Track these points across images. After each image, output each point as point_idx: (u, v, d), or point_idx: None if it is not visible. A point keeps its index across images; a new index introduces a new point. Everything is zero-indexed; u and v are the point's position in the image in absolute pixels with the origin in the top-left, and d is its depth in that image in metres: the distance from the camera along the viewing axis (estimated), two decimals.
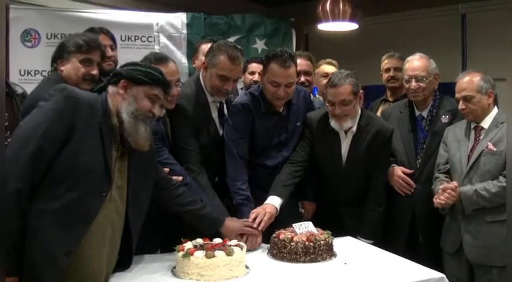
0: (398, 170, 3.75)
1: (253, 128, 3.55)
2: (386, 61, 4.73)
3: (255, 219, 3.23)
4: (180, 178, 3.14)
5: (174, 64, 3.34)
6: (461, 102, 3.44)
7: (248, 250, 2.99)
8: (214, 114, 3.57)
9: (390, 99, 4.63)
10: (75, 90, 2.55)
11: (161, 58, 3.25)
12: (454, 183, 3.34)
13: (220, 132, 3.59)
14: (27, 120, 2.47)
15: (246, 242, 3.06)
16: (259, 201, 3.40)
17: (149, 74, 2.61)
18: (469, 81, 3.42)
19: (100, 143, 2.48)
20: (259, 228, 3.22)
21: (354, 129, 3.59)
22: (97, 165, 2.47)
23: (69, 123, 2.41)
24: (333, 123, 3.57)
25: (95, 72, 3.22)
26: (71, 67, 3.15)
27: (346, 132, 3.61)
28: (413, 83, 3.76)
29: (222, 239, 2.88)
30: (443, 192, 3.34)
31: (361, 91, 3.56)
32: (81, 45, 3.15)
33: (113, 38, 4.08)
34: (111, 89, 2.61)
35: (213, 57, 3.40)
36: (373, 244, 3.45)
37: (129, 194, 2.65)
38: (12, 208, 2.30)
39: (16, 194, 2.31)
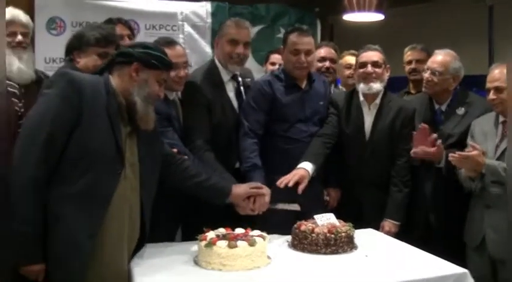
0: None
1: (275, 103, 3.59)
2: (408, 53, 4.71)
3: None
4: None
5: (182, 47, 3.48)
6: (492, 92, 3.39)
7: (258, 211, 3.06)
8: (231, 94, 3.63)
9: (413, 91, 4.61)
10: (76, 74, 2.58)
11: (169, 41, 3.38)
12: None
13: (238, 111, 3.64)
14: (35, 109, 2.50)
15: (254, 204, 3.08)
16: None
17: (162, 59, 2.63)
18: (502, 72, 3.37)
19: (108, 123, 2.50)
20: (289, 185, 3.29)
21: (378, 102, 3.73)
22: (108, 146, 2.49)
23: (76, 106, 2.42)
24: (362, 86, 3.73)
25: None
26: (89, 60, 3.14)
27: (369, 105, 3.73)
28: (427, 74, 3.77)
29: (245, 228, 2.87)
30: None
31: (388, 65, 3.77)
32: (100, 38, 3.15)
33: (130, 28, 4.13)
34: (118, 68, 2.62)
35: (221, 31, 3.65)
36: (398, 228, 3.55)
37: (142, 171, 2.68)
38: (30, 197, 2.33)
39: (33, 182, 2.34)
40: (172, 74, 3.24)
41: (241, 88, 3.71)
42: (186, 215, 3.39)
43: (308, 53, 3.60)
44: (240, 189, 3.10)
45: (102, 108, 2.49)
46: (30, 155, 2.35)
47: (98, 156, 2.44)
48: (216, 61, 3.63)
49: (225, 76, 3.59)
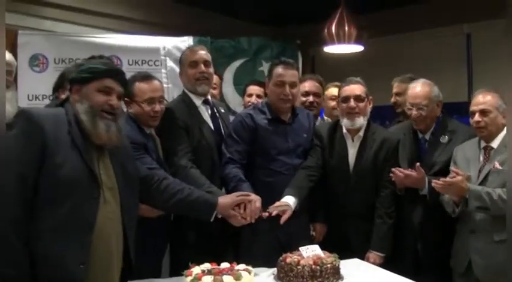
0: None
1: (257, 136, 3.63)
2: (395, 85, 4.75)
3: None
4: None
5: (159, 82, 3.50)
6: (477, 115, 3.43)
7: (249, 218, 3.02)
8: (206, 117, 3.69)
9: (404, 120, 4.63)
10: (34, 110, 2.57)
11: (145, 76, 3.42)
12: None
13: (217, 134, 3.68)
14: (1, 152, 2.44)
15: (244, 211, 3.02)
16: None
17: (91, 68, 2.57)
18: (487, 96, 3.43)
19: (76, 151, 2.45)
20: (273, 214, 3.27)
21: (361, 134, 3.75)
22: (80, 172, 2.43)
23: (39, 142, 2.38)
24: (345, 121, 3.74)
25: None
26: None
27: (353, 138, 3.75)
28: (415, 112, 3.77)
29: (230, 263, 2.87)
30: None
31: (370, 97, 3.78)
32: None
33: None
34: (71, 98, 2.60)
35: (181, 61, 3.81)
36: (383, 260, 3.54)
37: (121, 195, 2.61)
38: (12, 239, 2.28)
39: (13, 226, 2.29)
40: (148, 108, 3.29)
41: (215, 110, 3.77)
42: (171, 249, 3.37)
43: (292, 85, 3.65)
44: (226, 199, 3.04)
45: (66, 137, 2.46)
46: (5, 198, 2.31)
47: (70, 185, 2.39)
48: (186, 90, 3.72)
49: (197, 101, 3.67)
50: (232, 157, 3.55)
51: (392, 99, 4.72)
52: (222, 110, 3.94)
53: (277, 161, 3.63)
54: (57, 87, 3.26)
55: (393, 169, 3.57)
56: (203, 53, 3.74)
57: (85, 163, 2.46)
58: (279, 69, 3.66)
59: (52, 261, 2.35)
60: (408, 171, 3.55)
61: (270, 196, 3.42)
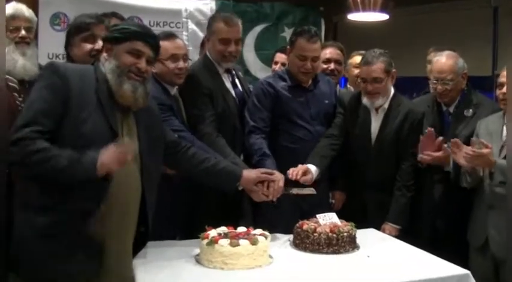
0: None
1: (279, 103, 3.62)
2: (432, 54, 4.64)
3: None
4: None
5: (181, 40, 3.50)
6: (506, 87, 3.33)
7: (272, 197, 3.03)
8: (227, 84, 3.66)
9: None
10: (61, 63, 2.59)
11: (168, 34, 3.40)
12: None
13: (237, 101, 3.67)
14: (25, 104, 2.49)
15: (268, 189, 3.03)
16: None
17: (124, 29, 2.57)
18: None
19: (100, 109, 2.45)
20: (297, 177, 3.30)
21: (386, 106, 3.70)
22: (102, 130, 2.43)
23: (63, 96, 2.39)
24: (365, 100, 3.70)
25: (100, 46, 3.18)
26: (77, 49, 3.18)
27: (377, 109, 3.70)
28: (440, 86, 3.72)
29: (247, 227, 2.87)
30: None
31: (394, 70, 3.67)
32: (79, 24, 3.19)
33: (124, 20, 4.12)
34: (101, 56, 2.62)
35: (211, 28, 3.64)
36: (399, 232, 3.50)
37: (142, 158, 2.60)
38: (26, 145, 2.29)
39: (29, 134, 2.30)
40: (172, 65, 3.28)
41: (236, 79, 3.74)
42: (188, 212, 3.37)
43: (315, 59, 3.62)
44: (251, 173, 3.04)
45: (92, 94, 2.45)
46: (20, 134, 2.31)
47: (90, 142, 2.37)
48: (209, 55, 3.64)
49: (220, 69, 3.62)
50: (256, 125, 3.54)
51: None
52: (241, 74, 3.92)
53: (300, 127, 3.63)
54: (67, 46, 3.23)
55: (420, 155, 3.50)
56: (237, 30, 3.62)
57: (108, 123, 2.45)
58: (302, 42, 3.59)
59: (72, 200, 2.36)
60: (436, 154, 3.48)
61: (293, 162, 3.45)
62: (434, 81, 3.76)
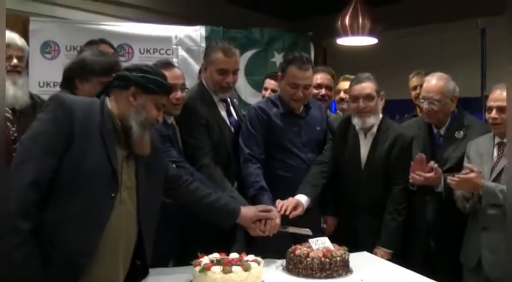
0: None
1: (271, 129, 3.61)
2: (414, 79, 4.79)
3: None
4: None
5: (179, 69, 3.47)
6: (494, 111, 3.38)
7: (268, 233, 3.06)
8: (223, 113, 3.65)
9: (420, 115, 4.63)
10: (67, 97, 2.54)
11: (166, 63, 3.37)
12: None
13: (232, 130, 3.65)
14: (27, 134, 2.45)
15: (265, 226, 3.07)
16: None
17: (160, 83, 2.58)
18: (506, 92, 3.37)
19: (102, 145, 2.44)
20: (286, 213, 3.28)
21: (374, 130, 3.70)
22: (101, 167, 2.43)
23: (66, 129, 2.38)
24: (356, 120, 3.69)
25: None
26: (92, 88, 3.00)
27: (366, 134, 3.71)
28: (426, 105, 3.75)
29: (239, 253, 2.86)
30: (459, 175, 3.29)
31: (382, 92, 3.70)
32: (106, 68, 3.03)
33: (113, 47, 4.21)
34: (115, 91, 2.57)
35: (209, 57, 3.59)
36: (391, 255, 3.49)
37: (139, 196, 2.60)
38: (15, 222, 2.27)
39: (18, 208, 2.28)
40: (170, 96, 3.26)
41: (230, 107, 3.73)
42: (181, 238, 3.36)
43: (307, 87, 3.61)
44: (249, 212, 3.09)
45: (95, 130, 2.45)
46: (19, 181, 2.30)
47: (89, 179, 2.38)
48: (205, 84, 3.62)
49: (216, 98, 3.61)
50: (251, 153, 3.54)
51: (417, 91, 4.67)
52: (236, 102, 3.92)
53: (292, 155, 3.63)
54: (74, 76, 3.12)
55: (412, 174, 3.51)
56: (235, 61, 3.60)
57: (108, 159, 2.45)
58: (294, 70, 3.56)
59: (59, 250, 2.35)
60: (427, 174, 3.48)
61: (286, 190, 3.49)
62: (422, 101, 3.79)
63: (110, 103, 2.54)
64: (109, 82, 2.63)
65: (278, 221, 3.14)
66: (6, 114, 3.10)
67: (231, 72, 3.54)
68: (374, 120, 3.67)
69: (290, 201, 3.37)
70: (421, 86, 4.55)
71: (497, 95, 3.40)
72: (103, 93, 2.61)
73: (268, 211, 3.14)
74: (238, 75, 3.69)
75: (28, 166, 2.32)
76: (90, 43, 3.87)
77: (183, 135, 3.47)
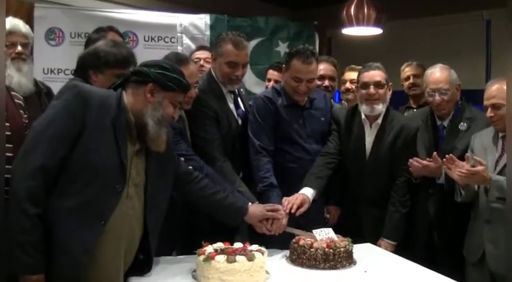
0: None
1: (278, 120, 3.59)
2: (406, 70, 4.82)
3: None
4: (190, 167, 3.12)
5: (195, 66, 3.40)
6: (489, 109, 3.38)
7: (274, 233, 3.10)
8: (231, 105, 3.63)
9: (414, 106, 4.69)
10: (86, 87, 2.55)
11: (182, 59, 3.24)
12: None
13: (239, 121, 3.65)
14: (39, 120, 2.48)
15: (271, 226, 3.10)
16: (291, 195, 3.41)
17: (179, 81, 2.58)
18: (498, 89, 3.35)
19: (113, 139, 2.46)
20: (292, 211, 3.27)
21: (379, 121, 3.69)
22: (111, 161, 2.45)
23: (80, 120, 2.40)
24: (364, 107, 3.68)
25: None
26: (106, 80, 2.97)
27: (371, 124, 3.70)
28: (437, 97, 3.75)
29: (243, 242, 2.87)
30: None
31: (390, 83, 3.70)
32: (121, 60, 3.01)
33: (121, 35, 4.17)
34: (133, 86, 2.57)
35: (219, 48, 3.54)
36: (395, 247, 3.51)
37: (147, 192, 2.63)
38: (26, 206, 2.30)
39: (28, 192, 2.31)
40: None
41: (238, 99, 3.72)
42: (185, 228, 3.37)
43: (310, 81, 3.56)
44: (256, 210, 3.11)
45: (109, 123, 2.46)
46: (28, 165, 2.34)
47: (98, 171, 2.41)
48: (214, 75, 3.59)
49: (224, 89, 3.59)
50: (262, 145, 3.52)
51: (411, 81, 4.73)
52: (243, 92, 3.90)
53: (298, 146, 3.62)
54: (88, 67, 3.07)
55: (411, 160, 3.53)
56: (246, 54, 3.56)
57: (118, 154, 2.47)
58: (298, 64, 3.50)
59: (59, 240, 2.38)
60: (426, 162, 3.50)
61: (291, 181, 3.51)
62: (431, 93, 3.78)
63: (126, 98, 2.55)
64: (127, 76, 2.63)
65: (285, 221, 3.17)
66: (19, 101, 3.09)
67: (240, 66, 3.51)
68: (382, 108, 3.66)
69: (296, 198, 3.36)
70: (414, 76, 4.63)
71: (490, 93, 3.40)
72: (120, 86, 2.60)
73: (276, 211, 3.16)
74: (247, 68, 3.66)
75: (38, 151, 2.34)
76: (98, 30, 3.85)
77: (192, 127, 3.44)
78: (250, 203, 3.18)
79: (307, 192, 3.45)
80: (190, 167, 3.11)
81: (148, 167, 2.64)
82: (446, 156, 3.33)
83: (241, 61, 3.52)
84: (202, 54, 4.68)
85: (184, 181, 2.92)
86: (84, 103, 2.42)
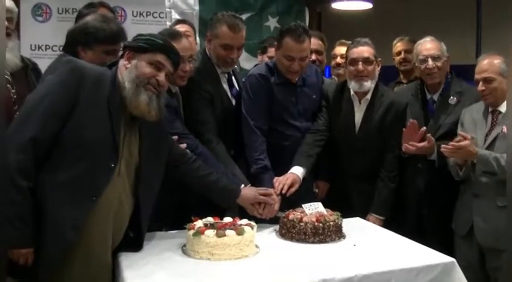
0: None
1: (272, 98, 3.55)
2: (398, 45, 4.83)
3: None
4: (184, 145, 3.12)
5: (187, 40, 3.31)
6: (481, 83, 3.38)
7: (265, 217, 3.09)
8: (225, 86, 3.60)
9: (404, 81, 4.70)
10: (81, 63, 2.54)
11: (174, 33, 3.21)
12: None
13: (233, 102, 3.62)
14: (33, 95, 2.49)
15: (263, 210, 3.10)
16: (283, 173, 3.42)
17: (149, 40, 2.57)
18: (490, 63, 3.36)
19: (107, 116, 2.46)
20: (283, 192, 3.27)
21: (369, 96, 3.68)
22: (103, 138, 2.45)
23: (74, 95, 2.40)
24: (353, 84, 3.66)
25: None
26: (95, 56, 3.00)
27: (360, 100, 3.69)
28: (430, 62, 3.74)
29: (233, 217, 2.87)
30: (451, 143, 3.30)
31: (379, 58, 3.67)
32: (109, 36, 3.01)
33: (112, 11, 4.08)
34: (120, 62, 2.59)
35: (215, 29, 3.47)
36: (384, 222, 3.53)
37: (140, 172, 2.63)
38: (16, 179, 2.30)
39: (19, 165, 2.31)
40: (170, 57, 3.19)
41: (232, 78, 3.68)
42: (175, 204, 3.37)
43: (303, 59, 3.49)
44: (249, 193, 3.10)
45: (103, 100, 2.46)
46: (19, 138, 2.33)
47: (91, 147, 2.40)
48: (209, 55, 3.54)
49: (219, 70, 3.55)
50: (256, 124, 3.49)
51: (402, 56, 4.73)
52: (237, 69, 3.87)
53: (289, 125, 3.61)
54: (77, 43, 3.05)
55: (405, 144, 3.52)
56: (242, 37, 3.48)
57: (111, 131, 2.46)
58: (289, 42, 3.42)
59: (47, 215, 2.39)
60: (420, 144, 3.49)
61: (283, 158, 3.51)
62: (424, 59, 3.77)
63: (119, 75, 2.54)
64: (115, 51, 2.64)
65: (277, 206, 3.16)
66: (6, 76, 3.06)
67: (235, 48, 3.46)
68: (370, 85, 3.64)
69: (287, 179, 3.36)
70: (405, 51, 4.65)
71: (482, 67, 3.40)
72: (115, 65, 2.60)
73: (269, 195, 3.15)
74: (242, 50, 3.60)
75: (29, 124, 2.34)
76: (89, 6, 3.80)
77: (186, 109, 3.41)
78: (243, 185, 3.17)
79: (298, 171, 3.45)
80: (185, 145, 3.11)
81: (141, 147, 2.64)
82: (450, 143, 3.31)
83: (237, 44, 3.46)
84: (182, 27, 4.62)
85: (177, 162, 2.92)
86: (79, 79, 2.42)
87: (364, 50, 3.62)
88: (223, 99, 3.54)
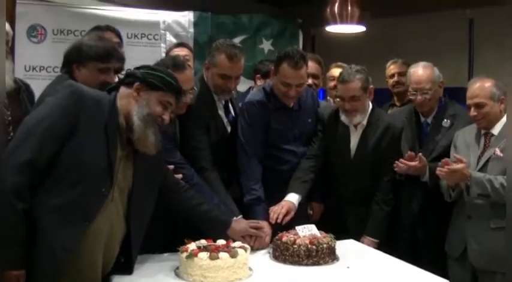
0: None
1: (269, 124, 3.56)
2: (391, 67, 4.84)
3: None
4: (180, 176, 3.13)
5: (190, 71, 3.33)
6: (472, 109, 3.40)
7: (256, 249, 3.07)
8: (221, 112, 3.60)
9: (397, 103, 4.71)
10: (81, 87, 2.54)
11: (179, 65, 3.18)
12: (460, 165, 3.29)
13: (228, 129, 3.61)
14: (32, 115, 2.49)
15: (254, 242, 3.09)
16: (279, 199, 3.45)
17: (165, 80, 2.57)
18: (481, 88, 3.38)
19: (104, 141, 2.47)
20: (278, 221, 3.28)
21: (364, 123, 3.67)
22: (99, 163, 2.45)
23: (73, 119, 2.40)
24: (343, 117, 3.67)
25: (112, 80, 3.10)
26: (89, 74, 3.02)
27: (356, 126, 3.68)
28: (419, 97, 3.76)
29: (226, 240, 2.86)
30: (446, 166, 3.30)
31: (371, 86, 3.62)
32: (101, 53, 3.03)
33: (119, 35, 4.07)
34: (123, 89, 2.59)
35: (213, 58, 3.47)
36: (378, 244, 3.52)
37: (132, 198, 2.63)
38: (11, 201, 2.30)
39: (14, 187, 2.31)
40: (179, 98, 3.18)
41: (229, 104, 3.69)
42: (167, 225, 3.35)
43: (300, 85, 3.48)
44: (239, 226, 3.10)
45: (101, 125, 2.46)
46: (17, 160, 2.33)
47: (86, 172, 2.41)
48: (206, 82, 3.53)
49: (215, 96, 3.55)
50: (254, 151, 3.51)
51: (395, 79, 4.74)
52: (234, 95, 3.87)
53: (286, 150, 3.62)
54: (72, 61, 3.08)
55: (397, 162, 3.53)
56: (240, 67, 3.49)
57: (107, 157, 2.47)
58: (286, 69, 3.41)
59: (40, 238, 2.38)
60: (412, 163, 3.51)
61: (279, 182, 3.54)
62: (413, 92, 3.79)
63: (119, 101, 2.55)
64: (120, 80, 2.65)
65: (268, 239, 3.15)
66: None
67: (233, 78, 3.46)
68: (360, 119, 3.63)
69: (282, 207, 3.37)
70: (398, 74, 4.67)
71: (473, 92, 3.42)
72: (114, 90, 2.61)
73: (260, 228, 3.16)
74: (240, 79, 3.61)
75: (27, 146, 2.34)
76: (95, 29, 3.81)
77: (183, 133, 3.40)
78: (235, 217, 3.17)
79: (293, 198, 3.46)
80: (181, 176, 3.12)
81: (135, 173, 2.64)
82: (442, 160, 3.33)
83: (235, 74, 3.47)
84: (181, 51, 4.64)
85: (171, 190, 2.92)
86: (79, 102, 2.42)
87: (350, 88, 3.53)
88: (219, 126, 3.54)
